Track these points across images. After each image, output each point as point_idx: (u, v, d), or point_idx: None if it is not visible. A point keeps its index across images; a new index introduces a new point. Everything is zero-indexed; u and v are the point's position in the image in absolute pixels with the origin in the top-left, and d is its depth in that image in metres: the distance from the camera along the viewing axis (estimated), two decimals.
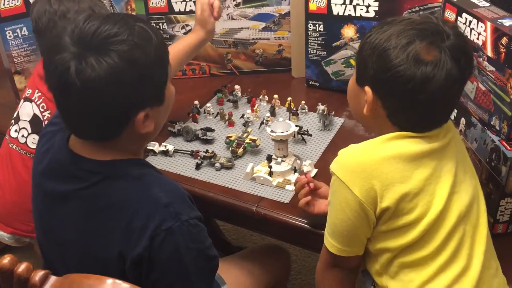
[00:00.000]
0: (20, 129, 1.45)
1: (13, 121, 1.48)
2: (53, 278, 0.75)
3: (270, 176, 1.31)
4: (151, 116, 0.96)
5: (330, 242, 1.01)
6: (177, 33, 1.76)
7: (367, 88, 0.97)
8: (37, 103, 1.43)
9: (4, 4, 1.61)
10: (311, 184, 1.14)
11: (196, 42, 1.46)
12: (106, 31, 0.90)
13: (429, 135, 0.97)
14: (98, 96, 0.89)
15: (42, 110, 1.43)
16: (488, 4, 1.17)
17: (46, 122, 1.42)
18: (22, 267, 0.74)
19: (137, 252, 0.92)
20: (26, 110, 1.45)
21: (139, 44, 0.90)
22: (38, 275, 0.74)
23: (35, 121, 1.43)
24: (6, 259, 0.73)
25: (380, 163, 0.94)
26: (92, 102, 0.90)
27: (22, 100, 1.48)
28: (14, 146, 1.45)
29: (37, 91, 1.43)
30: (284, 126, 1.31)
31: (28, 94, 1.46)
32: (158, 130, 1.04)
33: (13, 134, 1.46)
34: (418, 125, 0.97)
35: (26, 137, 1.44)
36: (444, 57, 0.91)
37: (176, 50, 1.42)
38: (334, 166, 0.98)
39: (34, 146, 1.42)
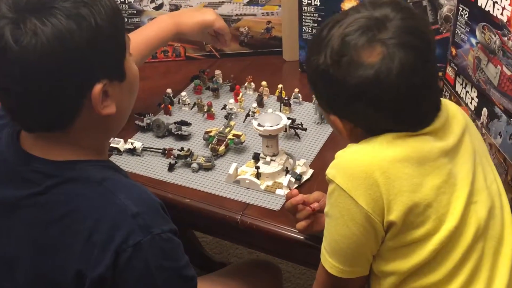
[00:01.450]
0: None
1: None
2: None
3: (258, 178, 1.31)
4: (111, 94, 0.96)
5: (330, 262, 1.01)
6: (145, 8, 1.75)
7: (333, 117, 1.02)
8: None
9: None
10: (315, 205, 1.13)
11: (165, 38, 1.52)
12: None
13: (433, 131, 0.98)
14: (43, 67, 0.89)
15: None
16: None
17: None
18: None
19: (99, 271, 0.90)
20: None
21: (85, 2, 0.91)
22: None
23: None
24: None
25: (387, 167, 0.94)
26: (35, 75, 0.89)
27: None
28: None
29: None
30: (273, 119, 1.31)
31: None
32: (122, 118, 1.04)
33: None
34: (408, 124, 0.97)
35: None
36: (389, 49, 0.92)
37: (140, 39, 1.45)
38: (332, 172, 0.98)
39: None
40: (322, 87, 1.01)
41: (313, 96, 1.50)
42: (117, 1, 1.72)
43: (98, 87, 0.93)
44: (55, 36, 0.87)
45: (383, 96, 0.94)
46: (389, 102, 0.94)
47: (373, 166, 0.94)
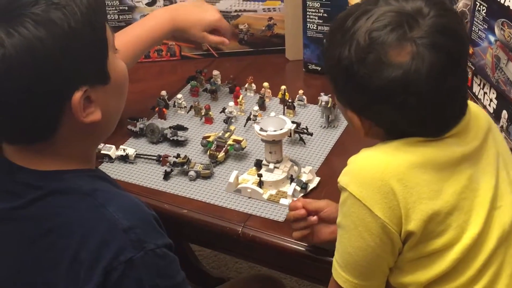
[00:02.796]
0: None
1: None
2: None
3: (260, 187, 1.31)
4: (95, 99, 0.95)
5: (343, 276, 1.00)
6: (137, 4, 1.75)
7: (350, 114, 1.01)
8: None
9: None
10: (313, 218, 1.12)
11: (160, 35, 1.50)
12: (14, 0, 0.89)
13: (453, 135, 0.98)
14: (13, 79, 0.88)
15: None
16: None
17: None
18: None
19: None
20: None
21: (57, 3, 0.89)
22: None
23: None
24: None
25: (404, 174, 0.94)
26: (4, 88, 0.89)
27: None
28: None
29: None
30: (277, 123, 1.31)
31: None
32: (110, 123, 1.03)
33: None
34: (430, 128, 0.97)
35: None
36: (419, 49, 0.91)
37: (132, 37, 1.45)
38: (344, 180, 0.97)
39: None
40: (343, 82, 0.99)
41: (321, 95, 1.50)
42: None
43: (77, 96, 0.92)
44: (23, 46, 0.87)
45: (409, 99, 0.93)
46: (415, 106, 0.94)
47: (389, 173, 0.94)
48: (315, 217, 1.13)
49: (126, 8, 1.75)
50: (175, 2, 1.74)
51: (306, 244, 1.19)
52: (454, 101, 0.99)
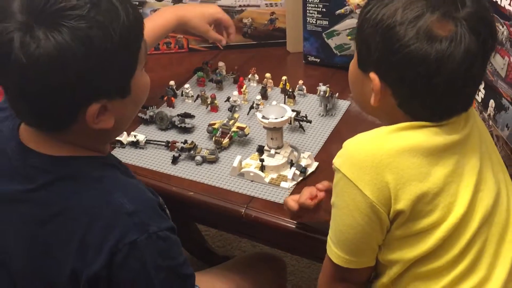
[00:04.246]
0: None
1: None
2: None
3: (262, 171, 1.30)
4: (111, 110, 0.94)
5: (336, 253, 1.01)
6: None
7: (373, 75, 0.97)
8: None
9: None
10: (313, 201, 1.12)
11: (167, 28, 1.50)
12: (62, 1, 0.87)
13: (448, 123, 0.97)
14: (40, 77, 0.88)
15: None
16: None
17: None
18: None
19: (94, 270, 0.90)
20: None
21: (100, 23, 0.88)
22: None
23: None
24: None
25: (394, 157, 0.94)
26: (32, 84, 0.89)
27: None
28: None
29: None
30: (278, 111, 1.31)
31: None
32: (122, 126, 1.03)
33: None
34: (436, 113, 0.97)
35: None
36: (461, 30, 0.91)
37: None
38: (338, 161, 0.97)
39: None
40: (379, 42, 0.95)
41: (320, 85, 1.50)
42: None
43: (94, 107, 0.92)
44: (55, 52, 0.86)
45: (437, 77, 0.92)
46: (438, 83, 0.92)
47: (380, 156, 0.94)
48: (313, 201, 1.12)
49: (137, 2, 1.74)
50: None
51: (305, 224, 1.19)
52: (470, 90, 0.98)
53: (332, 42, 1.67)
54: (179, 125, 1.46)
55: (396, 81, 0.96)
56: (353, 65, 1.04)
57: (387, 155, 0.94)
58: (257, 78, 1.63)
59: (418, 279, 0.98)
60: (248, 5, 1.76)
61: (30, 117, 0.96)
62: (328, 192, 1.10)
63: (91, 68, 0.89)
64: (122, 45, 0.91)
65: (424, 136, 0.96)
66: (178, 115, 1.48)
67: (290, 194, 1.25)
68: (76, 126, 0.94)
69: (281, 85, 1.57)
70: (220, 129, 1.41)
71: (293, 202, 1.14)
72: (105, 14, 0.89)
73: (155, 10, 1.73)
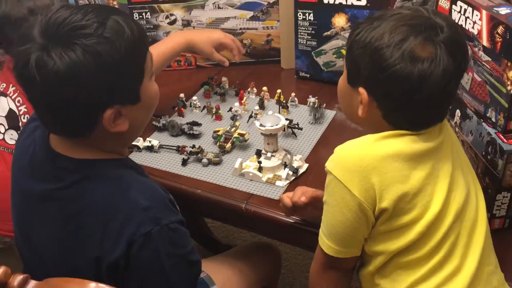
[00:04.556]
0: None
1: None
2: (32, 283, 0.74)
3: (260, 171, 1.31)
4: (125, 114, 0.95)
5: (327, 244, 1.01)
6: (161, 23, 1.75)
7: (362, 90, 0.96)
8: (12, 97, 1.42)
9: None
10: (303, 199, 1.12)
11: (177, 50, 1.50)
12: (73, 22, 0.88)
13: (425, 132, 0.97)
14: (59, 91, 0.88)
15: (18, 104, 1.42)
16: None
17: (22, 116, 1.41)
18: None
19: (114, 257, 0.91)
20: (1, 105, 1.43)
21: (108, 38, 0.88)
22: (17, 279, 0.73)
23: (11, 116, 1.42)
24: None
25: (379, 162, 0.94)
26: (53, 96, 0.89)
27: None
28: None
29: (11, 85, 1.42)
30: (273, 119, 1.31)
31: (2, 88, 1.45)
32: (137, 130, 1.03)
33: None
34: (415, 124, 0.96)
35: (3, 133, 1.43)
36: (440, 52, 0.91)
37: (153, 54, 1.43)
38: (330, 165, 0.97)
39: (12, 142, 1.41)
40: (368, 62, 0.94)
41: (309, 97, 1.50)
42: (137, 17, 1.72)
43: (108, 112, 0.92)
44: (70, 68, 0.86)
45: (419, 90, 0.91)
46: (421, 98, 0.92)
47: (366, 161, 0.94)
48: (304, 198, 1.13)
49: (152, 26, 1.75)
50: (191, 21, 1.74)
51: (297, 218, 1.19)
52: (445, 105, 0.99)
53: (320, 60, 1.68)
54: (188, 132, 1.46)
55: (382, 95, 0.95)
56: (342, 80, 1.03)
57: (372, 160, 0.94)
58: (256, 91, 1.63)
59: (400, 268, 0.98)
60: (248, 28, 1.77)
61: (54, 126, 0.97)
62: (313, 199, 1.11)
63: (102, 78, 0.89)
64: (128, 57, 0.91)
65: (404, 143, 0.95)
66: (187, 123, 1.48)
67: (284, 192, 1.26)
68: (96, 131, 0.94)
69: (276, 97, 1.58)
70: (224, 135, 1.42)
71: (287, 200, 1.14)
72: (111, 31, 0.89)
73: (167, 33, 1.74)
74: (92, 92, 0.89)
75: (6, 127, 1.42)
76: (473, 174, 1.06)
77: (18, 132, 1.40)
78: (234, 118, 1.50)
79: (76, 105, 0.90)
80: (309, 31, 1.64)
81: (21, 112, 1.41)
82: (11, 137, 1.41)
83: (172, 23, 1.75)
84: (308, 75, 1.71)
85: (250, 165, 1.33)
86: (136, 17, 1.72)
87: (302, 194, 1.13)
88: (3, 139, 1.43)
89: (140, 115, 1.00)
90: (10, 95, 1.42)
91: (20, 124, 1.41)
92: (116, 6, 1.74)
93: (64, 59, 0.86)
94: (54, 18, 0.89)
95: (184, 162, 1.37)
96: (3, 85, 1.45)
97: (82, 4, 0.95)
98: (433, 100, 0.94)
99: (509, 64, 1.06)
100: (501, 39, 1.07)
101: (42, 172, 0.99)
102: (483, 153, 1.14)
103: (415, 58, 0.90)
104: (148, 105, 1.01)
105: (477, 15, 1.12)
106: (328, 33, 1.62)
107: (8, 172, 1.36)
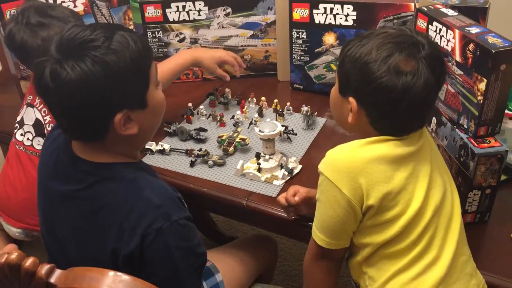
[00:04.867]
0: (25, 133, 1.43)
1: (17, 125, 1.46)
2: (58, 272, 0.73)
3: (259, 172, 1.30)
4: (134, 119, 0.94)
5: (319, 236, 1.00)
6: (171, 41, 1.74)
7: (351, 99, 0.96)
8: (39, 108, 1.42)
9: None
10: (296, 199, 1.12)
11: (185, 66, 1.51)
12: (83, 37, 0.88)
13: (407, 138, 0.97)
14: (72, 98, 0.88)
15: (43, 114, 1.41)
16: (456, 14, 1.16)
17: (47, 125, 1.40)
18: (29, 262, 0.72)
19: (129, 249, 0.90)
20: (29, 115, 1.43)
21: (114, 49, 0.88)
22: (44, 268, 0.72)
23: (37, 125, 1.42)
24: (14, 255, 0.72)
25: (366, 164, 0.93)
26: (67, 104, 0.89)
27: (25, 106, 1.46)
28: (21, 148, 1.43)
29: (37, 97, 1.42)
30: (271, 126, 1.30)
31: (29, 99, 1.44)
32: (147, 134, 1.01)
33: (18, 137, 1.44)
34: (398, 130, 0.96)
35: (32, 140, 1.42)
36: (421, 66, 0.91)
37: (164, 69, 1.44)
38: (322, 167, 0.97)
39: (39, 148, 1.40)
40: (357, 75, 0.94)
41: (303, 106, 1.50)
42: (150, 36, 1.71)
43: (118, 116, 0.91)
44: (81, 77, 0.86)
45: (402, 100, 0.91)
46: (404, 107, 0.92)
47: (355, 163, 0.93)
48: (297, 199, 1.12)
49: (164, 43, 1.74)
50: (198, 39, 1.74)
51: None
52: (425, 114, 0.98)
53: (312, 73, 1.67)
54: (195, 137, 1.46)
55: (370, 104, 0.95)
56: (334, 90, 1.03)
57: (360, 163, 0.93)
58: (255, 100, 1.63)
59: (384, 258, 0.97)
60: (248, 45, 1.76)
61: (71, 131, 0.96)
62: (305, 199, 1.11)
63: (110, 85, 0.88)
64: (133, 66, 0.90)
65: (388, 148, 0.95)
66: (194, 129, 1.47)
67: (281, 190, 1.25)
68: (110, 136, 0.93)
69: (273, 106, 1.57)
70: (227, 140, 1.41)
71: (283, 200, 1.14)
72: (117, 44, 0.89)
73: (177, 49, 1.74)
74: (101, 98, 0.89)
75: (34, 134, 1.42)
76: (449, 174, 1.06)
77: (44, 138, 1.40)
78: (236, 124, 1.50)
79: (88, 110, 0.89)
80: (302, 48, 1.63)
81: (46, 121, 1.40)
82: (38, 143, 1.41)
83: (181, 40, 1.74)
84: (301, 87, 1.70)
85: (251, 166, 1.32)
86: (149, 35, 1.72)
87: (296, 194, 1.12)
88: (31, 145, 1.42)
89: (149, 120, 0.98)
90: (37, 106, 1.42)
91: (46, 132, 1.40)
92: (132, 26, 1.73)
93: (75, 69, 0.86)
94: (67, 35, 0.89)
95: (192, 164, 1.36)
96: (30, 97, 1.44)
97: (92, 23, 0.95)
98: (415, 109, 0.94)
99: (479, 77, 1.05)
100: (472, 55, 1.06)
101: (65, 174, 0.98)
102: (457, 155, 1.13)
103: (399, 71, 0.90)
104: (155, 111, 0.99)
105: (450, 34, 1.11)
106: (319, 49, 1.62)
107: (36, 172, 1.36)
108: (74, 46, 0.88)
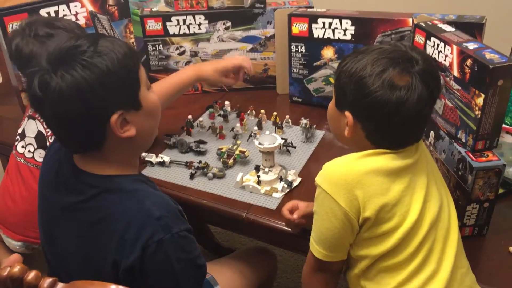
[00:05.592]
0: (26, 145, 1.43)
1: (18, 137, 1.46)
2: (60, 285, 0.73)
3: (258, 184, 1.30)
4: (130, 121, 0.94)
5: (317, 249, 1.00)
6: (172, 54, 1.75)
7: (347, 113, 0.97)
8: (40, 120, 1.42)
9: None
10: (295, 217, 1.14)
11: (187, 83, 1.48)
12: (69, 45, 0.90)
13: (403, 151, 0.97)
14: (66, 106, 0.88)
15: (45, 127, 1.41)
16: (453, 29, 1.18)
17: (49, 137, 1.40)
18: (31, 275, 0.72)
19: (130, 261, 0.90)
20: (31, 127, 1.43)
21: (100, 52, 0.89)
22: (47, 282, 0.72)
23: (39, 137, 1.42)
24: (17, 268, 0.71)
25: (362, 176, 0.94)
26: (62, 112, 0.89)
27: (26, 118, 1.46)
28: (21, 160, 1.43)
29: None
30: (270, 139, 1.31)
31: (31, 112, 1.45)
32: (145, 137, 1.01)
33: (19, 149, 1.44)
34: (394, 144, 0.97)
35: (33, 152, 1.42)
36: (415, 81, 0.91)
37: (168, 84, 1.44)
38: (319, 179, 0.97)
39: (40, 160, 1.40)
40: (352, 90, 0.94)
41: (302, 118, 1.50)
42: (151, 49, 1.72)
43: (114, 117, 0.91)
44: (73, 83, 0.87)
45: (397, 113, 0.92)
46: (398, 121, 0.92)
47: (351, 176, 0.94)
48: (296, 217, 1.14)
49: (164, 56, 1.75)
50: (198, 52, 1.75)
51: (289, 226, 1.18)
52: (421, 127, 0.99)
53: (311, 87, 1.68)
54: (195, 149, 1.46)
55: (365, 118, 0.96)
56: (331, 105, 1.04)
57: (356, 175, 0.93)
58: (254, 113, 1.63)
59: (382, 271, 0.97)
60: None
61: (70, 142, 0.96)
62: (304, 216, 1.12)
63: (101, 87, 0.88)
64: (121, 66, 0.91)
65: (385, 160, 0.95)
66: (194, 142, 1.48)
67: (280, 203, 1.25)
68: (108, 142, 0.93)
69: (272, 119, 1.58)
70: (227, 152, 1.41)
71: (286, 212, 1.15)
72: (103, 48, 0.90)
73: (177, 62, 1.75)
74: (95, 102, 0.89)
75: (36, 147, 1.42)
76: (446, 187, 1.06)
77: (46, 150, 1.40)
78: (235, 137, 1.50)
79: (84, 116, 0.89)
80: (301, 61, 1.64)
81: (48, 133, 1.41)
82: (40, 155, 1.41)
83: (182, 53, 1.75)
84: (300, 100, 1.71)
85: (250, 179, 1.33)
86: (150, 49, 1.73)
87: (293, 208, 1.14)
88: (33, 157, 1.42)
89: (145, 122, 0.98)
90: (39, 118, 1.42)
91: (48, 143, 1.40)
92: (133, 39, 1.74)
93: (65, 77, 0.87)
94: (54, 46, 0.91)
95: (192, 176, 1.36)
96: (32, 110, 1.45)
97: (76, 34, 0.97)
98: (409, 123, 0.94)
99: (477, 92, 1.06)
100: (469, 70, 1.07)
101: (66, 186, 0.98)
102: (455, 169, 1.14)
103: (393, 86, 0.91)
104: (150, 112, 0.99)
105: (448, 49, 1.13)
106: (318, 63, 1.63)
107: (36, 185, 1.36)
108: (62, 55, 0.89)
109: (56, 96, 0.87)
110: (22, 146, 1.44)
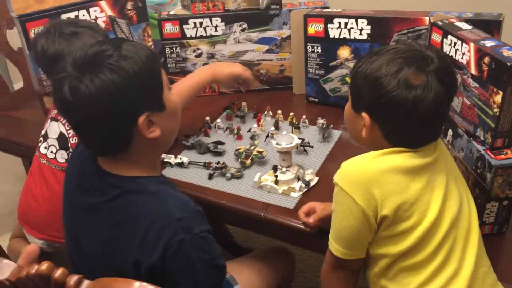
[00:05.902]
0: (49, 146, 1.46)
1: (41, 138, 1.49)
2: (86, 282, 0.75)
3: (276, 184, 1.31)
4: (155, 122, 0.96)
5: (335, 247, 1.01)
6: (189, 56, 1.77)
7: (364, 114, 0.97)
8: (63, 122, 1.45)
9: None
10: (311, 221, 1.14)
11: (203, 84, 1.52)
12: (94, 51, 0.92)
13: (422, 149, 0.97)
14: (96, 110, 0.90)
15: (67, 128, 1.44)
16: (471, 27, 1.17)
17: (71, 139, 1.43)
18: (58, 272, 0.74)
19: (152, 261, 0.91)
20: (53, 129, 1.46)
21: (125, 55, 0.91)
22: (73, 279, 0.74)
23: (61, 139, 1.44)
24: (44, 265, 0.73)
25: (380, 175, 0.94)
26: (92, 116, 0.91)
27: (49, 120, 1.49)
28: (44, 161, 1.46)
29: None
30: (287, 139, 1.31)
31: (53, 114, 1.47)
32: (168, 137, 1.03)
33: (42, 150, 1.47)
34: (412, 143, 0.96)
35: (55, 153, 1.45)
36: (431, 80, 0.91)
37: (186, 85, 1.46)
38: (337, 178, 0.97)
39: (62, 161, 1.43)
40: (369, 90, 0.95)
41: (318, 118, 1.50)
42: (168, 51, 1.74)
43: (141, 119, 0.93)
44: (101, 87, 0.89)
45: (414, 113, 0.92)
46: (416, 120, 0.92)
47: (369, 174, 0.94)
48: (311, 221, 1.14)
49: (181, 59, 1.77)
50: (215, 54, 1.76)
51: (308, 226, 1.18)
52: (439, 125, 0.99)
53: (327, 87, 1.68)
54: (213, 150, 1.47)
55: (382, 118, 0.96)
56: (348, 107, 1.04)
57: (373, 174, 0.94)
58: (271, 114, 1.64)
59: (404, 271, 0.97)
60: (264, 60, 1.78)
61: (96, 146, 0.97)
62: (320, 220, 1.13)
63: (129, 89, 0.91)
64: (145, 68, 0.93)
65: (403, 159, 0.95)
66: (212, 142, 1.49)
67: (298, 202, 1.25)
68: (134, 144, 0.95)
69: (289, 119, 1.58)
70: (244, 153, 1.42)
71: (302, 215, 1.16)
72: (127, 51, 0.92)
73: (194, 64, 1.76)
74: (123, 104, 0.91)
75: (58, 148, 1.44)
76: (465, 185, 1.06)
77: (67, 152, 1.43)
78: (253, 137, 1.51)
79: (112, 118, 0.91)
80: (317, 62, 1.65)
81: (70, 135, 1.43)
82: (62, 156, 1.43)
83: (199, 56, 1.76)
84: (317, 100, 1.71)
85: (268, 179, 1.33)
86: (167, 51, 1.75)
87: (310, 211, 1.15)
88: (55, 157, 1.45)
89: (169, 123, 1.00)
90: (61, 120, 1.45)
91: (69, 145, 1.43)
92: (151, 42, 1.77)
93: (94, 81, 0.89)
94: (79, 53, 0.93)
95: (210, 176, 1.37)
96: (54, 112, 1.48)
97: (99, 40, 1.00)
98: (427, 122, 0.94)
99: (494, 89, 1.05)
100: (487, 68, 1.06)
101: (91, 187, 1.00)
102: (473, 167, 1.13)
103: (409, 85, 0.91)
104: (173, 113, 1.01)
105: (465, 47, 1.12)
106: (334, 63, 1.63)
107: (57, 186, 1.39)
108: (88, 61, 0.91)
109: (86, 100, 0.89)
110: (45, 147, 1.47)
